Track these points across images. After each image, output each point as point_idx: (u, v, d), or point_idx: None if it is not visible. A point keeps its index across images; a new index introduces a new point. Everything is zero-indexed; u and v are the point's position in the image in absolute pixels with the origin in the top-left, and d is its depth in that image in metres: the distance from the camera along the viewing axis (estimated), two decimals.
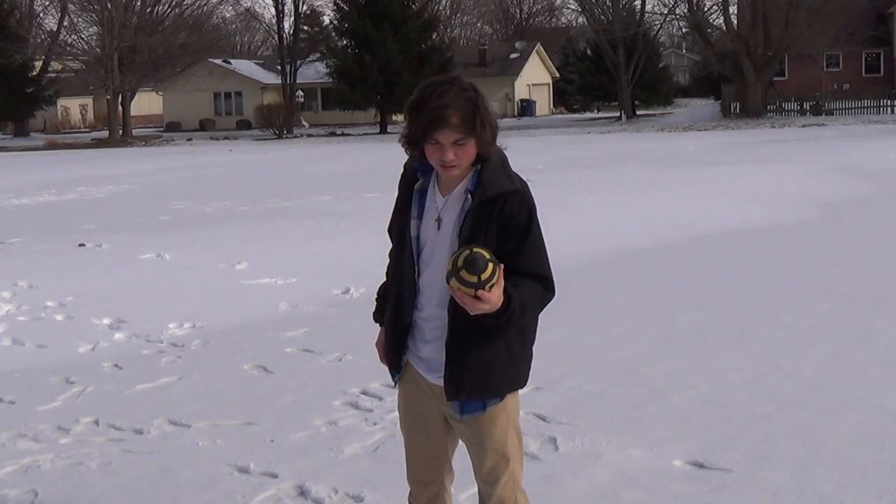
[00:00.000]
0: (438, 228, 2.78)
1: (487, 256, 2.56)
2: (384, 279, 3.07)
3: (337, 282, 8.79)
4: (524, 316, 2.71)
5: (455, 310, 2.70)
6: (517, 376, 2.88)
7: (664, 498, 4.01)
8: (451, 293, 2.63)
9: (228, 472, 4.42)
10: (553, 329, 6.44)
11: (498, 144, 2.79)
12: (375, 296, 3.12)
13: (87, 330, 7.38)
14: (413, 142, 2.74)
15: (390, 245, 2.99)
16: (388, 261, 3.01)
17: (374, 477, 4.29)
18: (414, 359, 2.90)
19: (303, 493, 4.16)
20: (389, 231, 2.98)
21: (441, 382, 2.83)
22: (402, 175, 2.92)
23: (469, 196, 2.73)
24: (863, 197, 14.19)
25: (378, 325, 3.10)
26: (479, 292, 2.55)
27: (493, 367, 2.79)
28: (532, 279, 2.73)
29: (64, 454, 4.72)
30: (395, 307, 2.88)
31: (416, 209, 2.82)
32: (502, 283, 2.60)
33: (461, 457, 3.13)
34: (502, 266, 2.61)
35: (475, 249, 2.57)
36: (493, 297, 2.57)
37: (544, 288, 2.77)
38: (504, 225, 2.71)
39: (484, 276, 2.53)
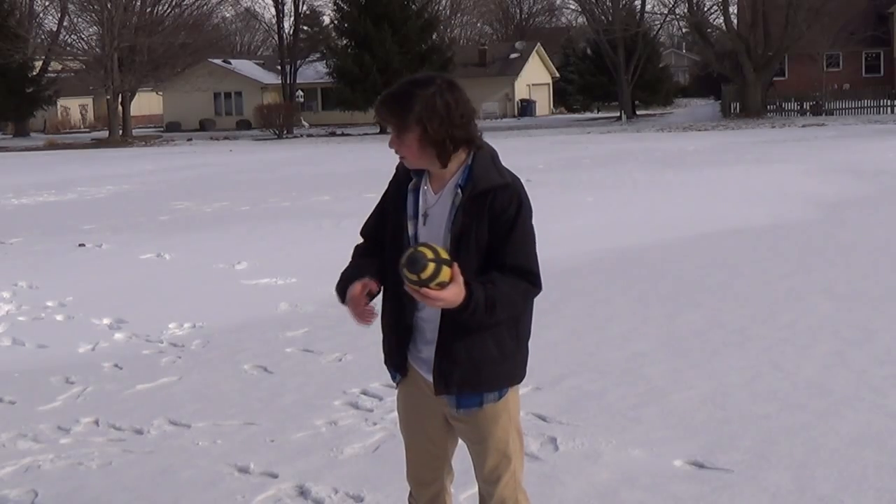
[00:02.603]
0: (423, 224, 2.79)
1: (430, 256, 2.57)
2: (350, 260, 3.00)
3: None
4: (495, 312, 2.70)
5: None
6: (510, 372, 2.87)
7: (664, 498, 4.01)
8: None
9: (228, 472, 4.42)
10: (553, 329, 6.45)
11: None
12: (351, 256, 3.03)
13: (87, 330, 7.38)
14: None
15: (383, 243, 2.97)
16: (358, 241, 3.04)
17: (374, 477, 4.29)
18: (415, 360, 2.90)
19: (303, 493, 4.16)
20: (365, 233, 3.01)
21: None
22: (395, 176, 2.93)
23: (459, 191, 2.74)
24: (863, 197, 14.18)
25: (341, 291, 2.96)
26: (424, 290, 2.57)
27: (482, 362, 2.79)
28: (514, 273, 2.73)
29: (64, 454, 4.72)
30: (396, 309, 2.87)
31: (412, 209, 2.83)
32: (460, 280, 2.60)
33: (461, 457, 3.13)
34: (455, 265, 2.61)
35: (419, 248, 2.60)
36: (446, 295, 2.58)
37: (528, 282, 2.76)
38: (495, 219, 2.72)
39: (424, 276, 2.55)
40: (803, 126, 37.28)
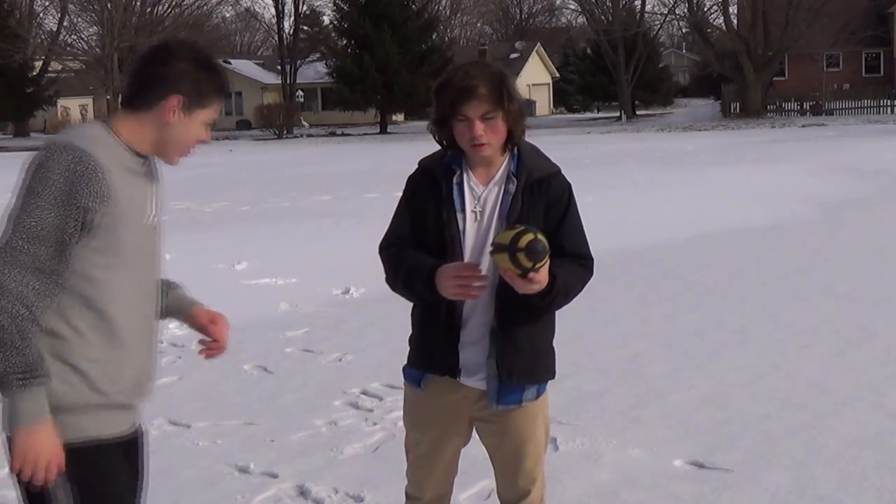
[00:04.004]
0: (477, 218, 2.74)
1: (546, 245, 2.52)
2: (398, 253, 2.79)
3: (337, 282, 8.79)
4: (567, 298, 2.72)
5: (504, 295, 2.67)
6: (552, 365, 2.89)
7: (664, 498, 4.01)
8: (499, 268, 2.56)
9: (228, 472, 4.42)
10: None
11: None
12: (397, 257, 2.79)
13: None
14: (441, 121, 2.71)
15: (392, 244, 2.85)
16: (392, 249, 2.81)
17: (374, 477, 4.29)
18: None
19: (303, 493, 4.16)
20: (401, 235, 2.79)
21: (479, 385, 2.77)
22: (421, 174, 2.81)
23: (514, 178, 2.73)
24: (863, 197, 14.19)
25: (415, 285, 2.72)
26: (531, 275, 2.52)
27: (538, 352, 2.81)
28: (573, 258, 2.73)
29: None
30: (448, 309, 2.72)
31: (459, 202, 2.74)
32: (548, 262, 2.58)
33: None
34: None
35: (539, 236, 2.51)
36: (542, 277, 2.56)
37: (585, 268, 2.77)
38: (550, 207, 2.73)
39: (539, 265, 2.51)
40: (803, 126, 37.28)
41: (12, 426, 2.18)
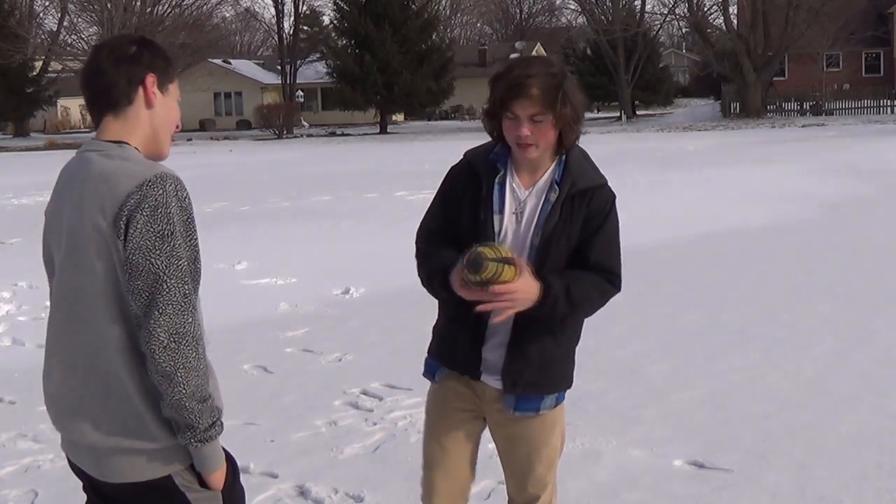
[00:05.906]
0: (517, 221, 2.66)
1: (491, 255, 2.46)
2: (425, 250, 2.77)
3: (337, 282, 8.79)
4: (576, 307, 2.61)
5: None
6: (568, 374, 2.81)
7: (664, 498, 4.01)
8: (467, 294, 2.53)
9: None
10: None
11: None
12: (424, 256, 2.77)
13: None
14: (491, 113, 2.63)
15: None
16: (424, 244, 2.78)
17: (374, 477, 4.29)
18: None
19: (303, 493, 4.16)
20: (434, 229, 2.75)
21: (496, 384, 2.72)
22: (462, 168, 2.74)
23: (556, 187, 2.63)
24: (863, 197, 14.19)
25: (436, 287, 2.71)
26: (493, 287, 2.45)
27: (551, 362, 2.72)
28: (596, 270, 2.64)
29: (64, 454, 4.72)
30: (473, 306, 2.62)
31: (499, 203, 2.65)
32: (526, 273, 2.49)
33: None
34: (520, 260, 2.51)
35: (479, 249, 2.47)
36: (515, 287, 2.46)
37: (608, 282, 2.67)
38: (589, 219, 2.63)
39: (485, 276, 2.45)
40: (803, 126, 37.28)
41: (209, 470, 2.25)
